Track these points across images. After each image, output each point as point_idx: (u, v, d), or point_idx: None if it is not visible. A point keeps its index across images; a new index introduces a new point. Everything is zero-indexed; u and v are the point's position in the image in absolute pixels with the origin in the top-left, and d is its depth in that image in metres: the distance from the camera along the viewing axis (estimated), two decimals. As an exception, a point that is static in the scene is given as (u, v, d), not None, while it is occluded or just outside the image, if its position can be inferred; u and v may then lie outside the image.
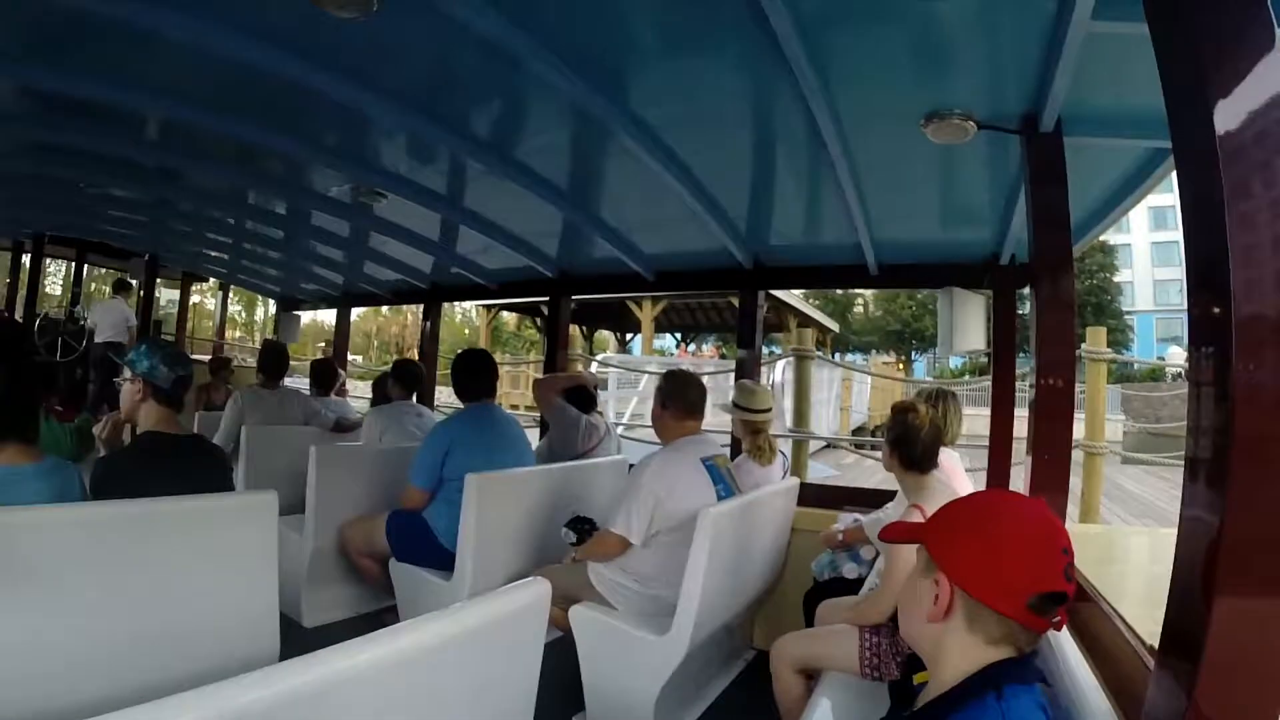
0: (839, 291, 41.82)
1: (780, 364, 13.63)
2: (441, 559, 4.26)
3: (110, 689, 2.36)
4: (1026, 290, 4.02)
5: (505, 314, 32.72)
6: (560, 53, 2.94)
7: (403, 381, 6.08)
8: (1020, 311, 4.99)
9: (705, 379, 4.32)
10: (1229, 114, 1.19)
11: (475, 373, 4.89)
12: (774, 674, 3.18)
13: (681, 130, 3.66)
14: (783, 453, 4.96)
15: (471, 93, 3.58)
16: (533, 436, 5.81)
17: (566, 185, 4.65)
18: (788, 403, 14.71)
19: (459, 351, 5.41)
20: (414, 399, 6.23)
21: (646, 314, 24.45)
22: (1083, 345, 7.81)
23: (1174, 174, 1.53)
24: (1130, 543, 5.12)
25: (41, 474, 2.76)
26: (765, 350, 6.30)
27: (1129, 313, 51.30)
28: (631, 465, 4.04)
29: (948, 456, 3.87)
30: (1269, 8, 1.23)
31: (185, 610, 2.68)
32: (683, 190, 4.13)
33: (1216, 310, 1.21)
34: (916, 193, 4.21)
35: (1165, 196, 42.52)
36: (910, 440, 3.10)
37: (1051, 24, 2.43)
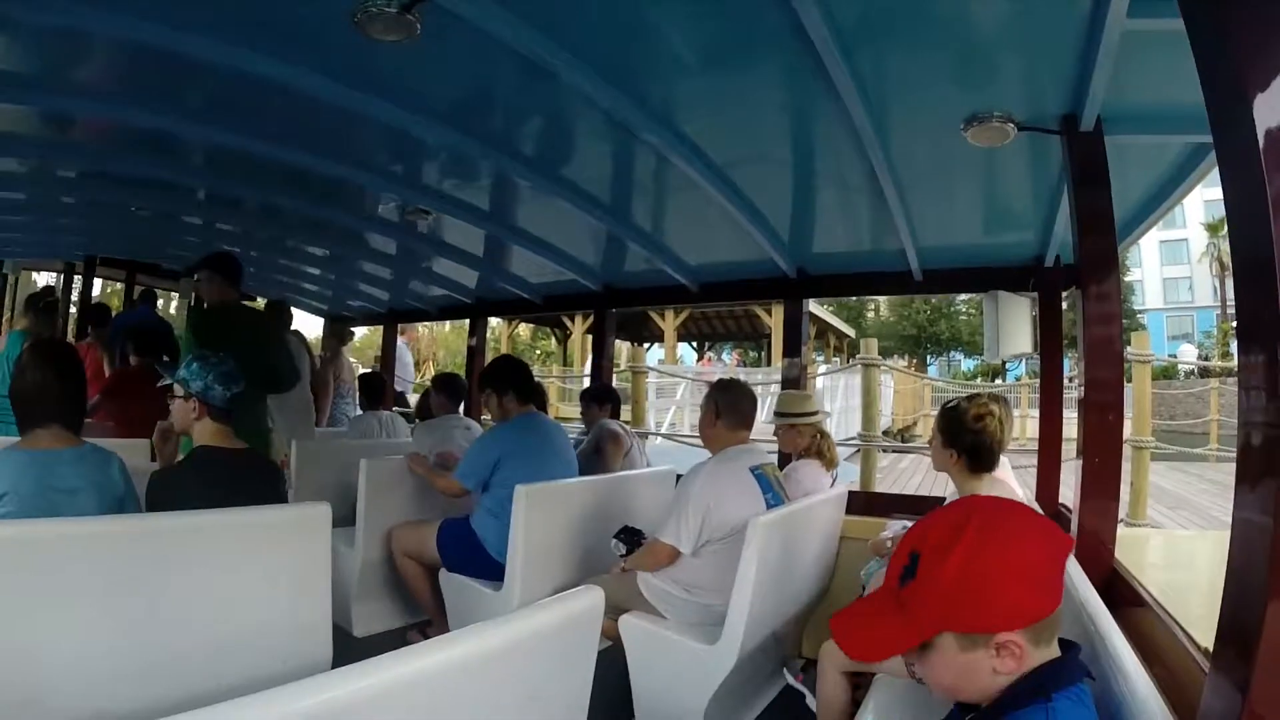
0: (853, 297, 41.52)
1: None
2: (491, 570, 4.28)
3: (167, 695, 2.41)
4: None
5: (522, 326, 32.81)
6: (599, 68, 2.97)
7: (446, 393, 6.11)
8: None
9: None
10: (1270, 106, 1.18)
11: (525, 379, 4.90)
12: (819, 676, 3.17)
13: (722, 141, 3.68)
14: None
15: (513, 110, 3.64)
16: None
17: (609, 199, 4.68)
18: (827, 407, 14.72)
19: (491, 360, 5.45)
20: (460, 411, 6.25)
21: (669, 323, 24.41)
22: (1129, 348, 8.18)
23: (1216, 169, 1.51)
24: (1180, 545, 5.05)
25: (78, 459, 2.87)
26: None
27: (1140, 311, 51.07)
28: (679, 475, 4.03)
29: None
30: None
31: (241, 620, 2.73)
32: (725, 201, 4.15)
33: (1265, 305, 1.19)
34: (959, 197, 4.20)
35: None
36: (984, 447, 3.08)
37: (1088, 23, 2.42)
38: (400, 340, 12.63)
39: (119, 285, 10.84)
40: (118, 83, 3.51)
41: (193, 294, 9.75)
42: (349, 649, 1.86)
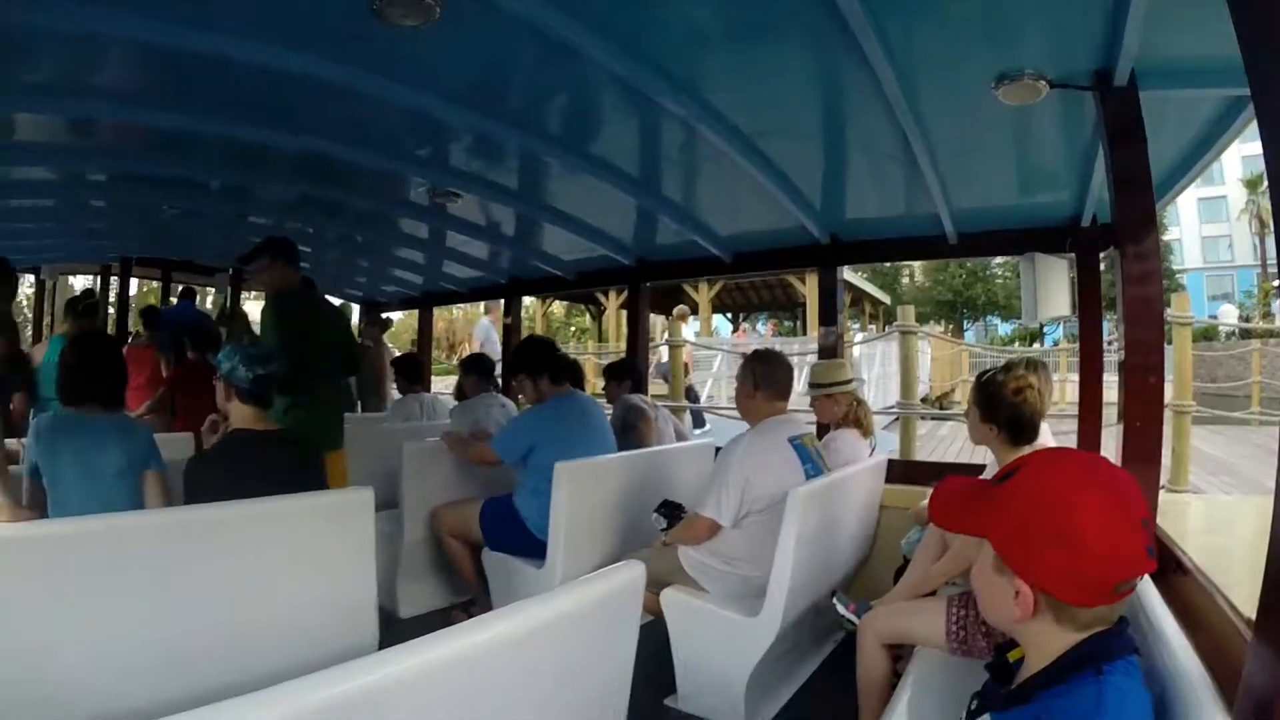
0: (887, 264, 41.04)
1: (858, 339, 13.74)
2: (533, 548, 4.32)
3: (218, 681, 2.44)
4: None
5: (556, 303, 32.78)
6: (621, 43, 2.96)
7: (477, 374, 6.13)
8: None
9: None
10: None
11: (555, 359, 4.92)
12: (859, 648, 3.14)
13: (750, 110, 3.65)
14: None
15: (537, 88, 3.62)
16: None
17: (638, 173, 4.67)
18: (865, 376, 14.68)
19: (522, 339, 5.46)
20: (492, 391, 6.27)
21: (703, 295, 24.27)
22: (1169, 310, 7.97)
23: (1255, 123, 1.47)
24: (1222, 512, 4.99)
25: (110, 426, 3.22)
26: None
27: (1179, 271, 50.12)
28: (719, 449, 4.04)
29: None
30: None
31: (287, 606, 2.80)
32: (755, 170, 4.13)
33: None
34: (992, 158, 4.15)
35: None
36: (1024, 419, 3.06)
37: (1120, -25, 2.38)
38: (486, 319, 13.67)
39: (155, 284, 10.97)
40: (141, 85, 3.54)
41: (228, 288, 9.89)
42: (395, 630, 1.89)
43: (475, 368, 6.17)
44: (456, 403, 6.48)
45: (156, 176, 5.06)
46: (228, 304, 10.13)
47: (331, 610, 2.94)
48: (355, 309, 10.51)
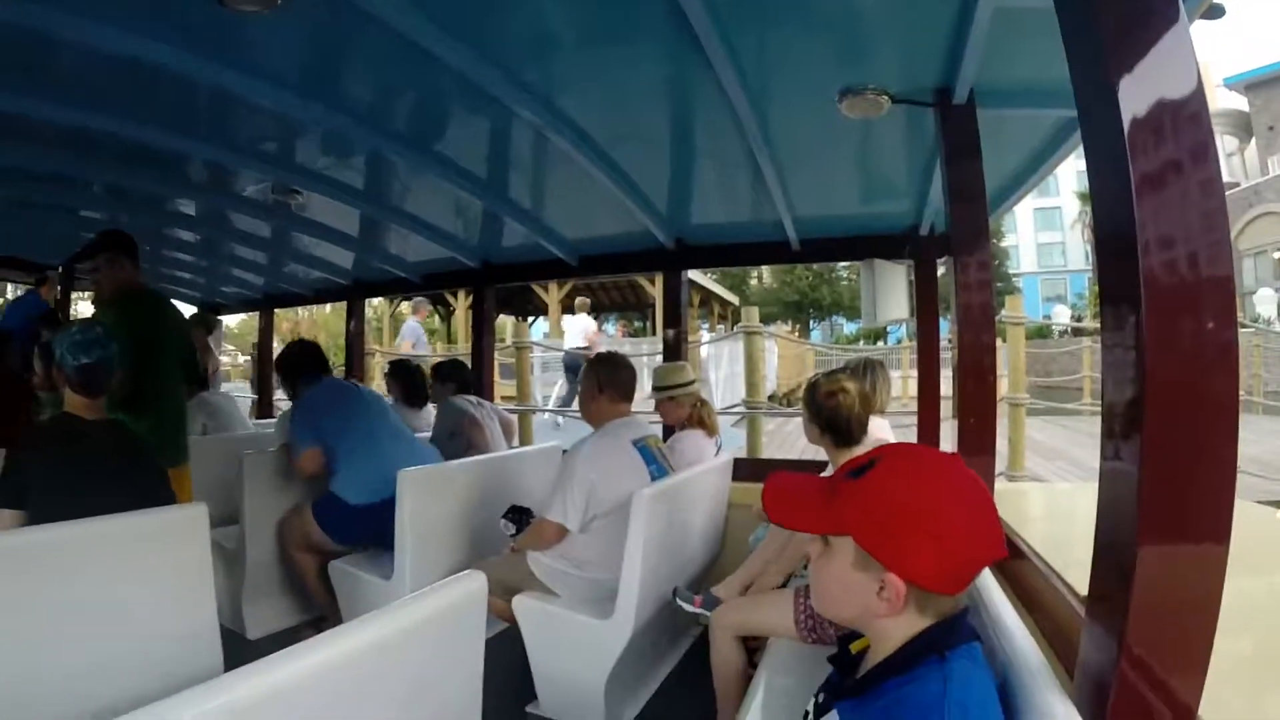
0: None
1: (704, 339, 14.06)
2: (368, 523, 4.33)
3: (52, 716, 2.33)
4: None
5: (405, 304, 32.25)
6: (471, 43, 2.92)
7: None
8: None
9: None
10: (1134, 88, 1.22)
11: (314, 360, 4.98)
12: (712, 643, 3.21)
13: (598, 115, 3.66)
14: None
15: (383, 85, 3.54)
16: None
17: (485, 175, 4.62)
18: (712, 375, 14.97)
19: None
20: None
21: (553, 296, 24.29)
22: (1004, 311, 8.59)
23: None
24: (1059, 499, 5.26)
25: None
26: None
27: (1016, 275, 54.40)
28: (565, 451, 4.03)
29: (877, 426, 3.93)
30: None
31: (122, 633, 2.65)
32: (602, 175, 4.15)
33: (1126, 274, 1.24)
34: (835, 168, 4.28)
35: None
36: (840, 423, 3.19)
37: (960, -1, 2.48)
38: (414, 320, 14.00)
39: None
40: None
41: (58, 287, 9.35)
42: (244, 652, 1.82)
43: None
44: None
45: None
46: (56, 305, 9.64)
47: (171, 636, 2.80)
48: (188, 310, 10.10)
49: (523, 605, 3.71)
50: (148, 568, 2.79)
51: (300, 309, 29.46)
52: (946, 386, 5.17)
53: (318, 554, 4.54)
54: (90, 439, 3.09)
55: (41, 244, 7.45)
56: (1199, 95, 1.23)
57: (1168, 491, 1.25)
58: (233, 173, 4.83)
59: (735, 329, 10.16)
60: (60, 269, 8.75)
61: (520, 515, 4.01)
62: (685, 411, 4.77)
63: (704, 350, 16.38)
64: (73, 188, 5.31)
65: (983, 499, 1.41)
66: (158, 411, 4.25)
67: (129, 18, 2.78)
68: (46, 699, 2.39)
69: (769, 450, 9.17)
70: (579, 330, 14.58)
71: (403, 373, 6.37)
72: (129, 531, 2.78)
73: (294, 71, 3.31)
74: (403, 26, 2.70)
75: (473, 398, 5.87)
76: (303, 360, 4.92)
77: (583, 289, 28.21)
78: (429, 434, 5.50)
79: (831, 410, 3.18)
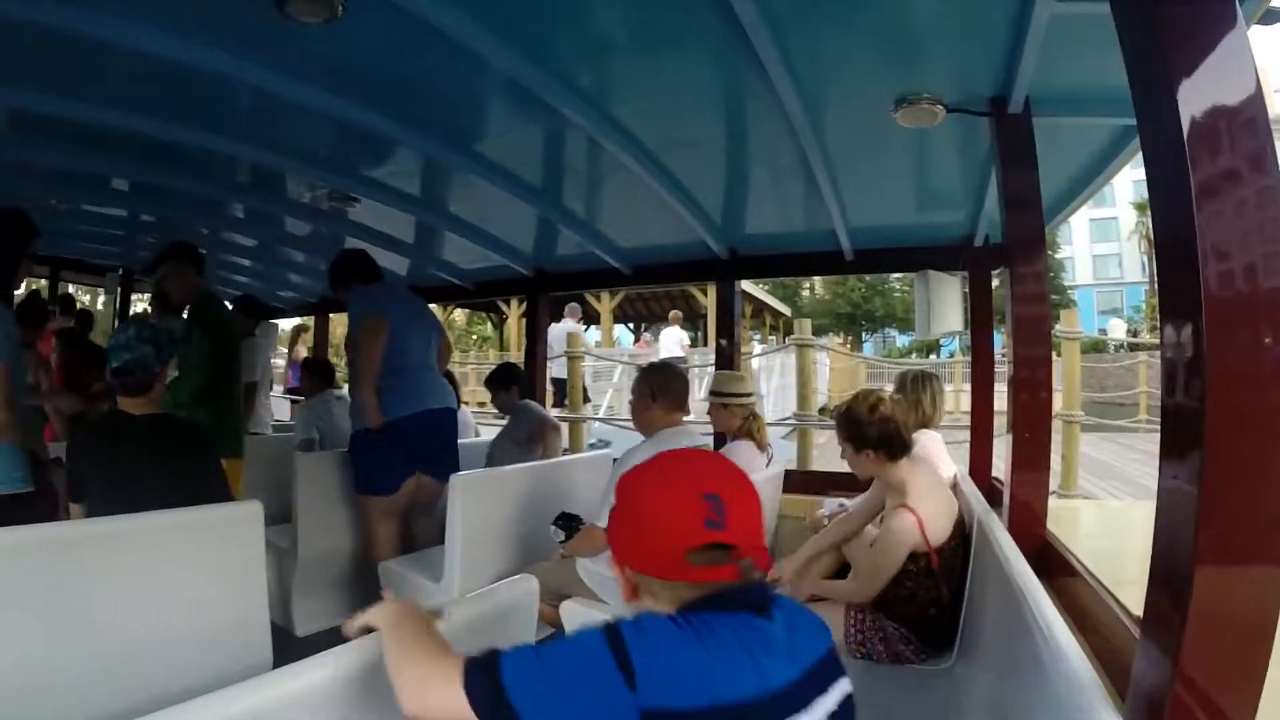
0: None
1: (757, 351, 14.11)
2: (393, 460, 4.54)
3: (106, 706, 2.36)
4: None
5: (458, 311, 32.51)
6: (526, 50, 2.94)
7: (317, 375, 6.51)
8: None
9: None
10: (1194, 93, 1.20)
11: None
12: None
13: (653, 125, 3.67)
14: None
15: (440, 93, 3.56)
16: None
17: (540, 183, 4.65)
18: (764, 387, 14.94)
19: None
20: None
21: (605, 306, 24.39)
22: (1059, 325, 8.46)
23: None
24: (1112, 516, 5.18)
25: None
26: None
27: (1071, 287, 53.63)
28: (615, 460, 4.03)
29: (929, 438, 3.89)
30: (1232, -16, 1.24)
31: (175, 626, 2.68)
32: (656, 183, 4.14)
33: (1186, 286, 1.21)
34: (889, 178, 4.25)
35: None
36: (892, 433, 3.14)
37: (1017, 6, 2.46)
38: (572, 322, 13.54)
39: (44, 282, 10.56)
40: (29, 70, 3.38)
41: (118, 289, 9.53)
42: (292, 648, 1.83)
43: (313, 370, 6.44)
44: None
45: (46, 169, 4.83)
46: (117, 306, 9.83)
47: (222, 630, 2.83)
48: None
49: (570, 611, 3.69)
50: (203, 563, 2.83)
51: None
52: (999, 401, 5.11)
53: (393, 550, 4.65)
54: (136, 435, 3.13)
55: (102, 247, 7.59)
56: (1259, 101, 1.20)
57: (1226, 511, 1.23)
58: (291, 179, 4.91)
59: (787, 341, 10.14)
60: (121, 271, 8.96)
61: (569, 522, 4.01)
62: (737, 422, 4.74)
63: (755, 362, 16.43)
64: (134, 193, 5.42)
65: (687, 484, 1.44)
66: (222, 407, 4.50)
67: (195, 30, 2.85)
68: (103, 687, 2.42)
69: (819, 463, 9.11)
70: (674, 340, 15.39)
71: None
72: (185, 526, 2.83)
73: (353, 81, 3.35)
74: (457, 34, 2.73)
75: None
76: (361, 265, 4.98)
77: (635, 298, 28.28)
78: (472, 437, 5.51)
79: (882, 424, 3.13)
